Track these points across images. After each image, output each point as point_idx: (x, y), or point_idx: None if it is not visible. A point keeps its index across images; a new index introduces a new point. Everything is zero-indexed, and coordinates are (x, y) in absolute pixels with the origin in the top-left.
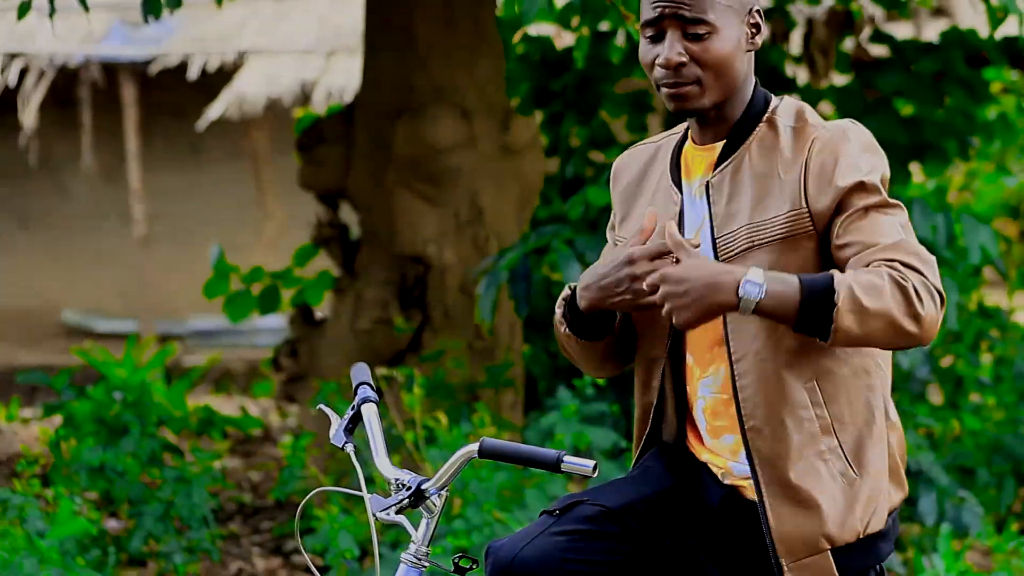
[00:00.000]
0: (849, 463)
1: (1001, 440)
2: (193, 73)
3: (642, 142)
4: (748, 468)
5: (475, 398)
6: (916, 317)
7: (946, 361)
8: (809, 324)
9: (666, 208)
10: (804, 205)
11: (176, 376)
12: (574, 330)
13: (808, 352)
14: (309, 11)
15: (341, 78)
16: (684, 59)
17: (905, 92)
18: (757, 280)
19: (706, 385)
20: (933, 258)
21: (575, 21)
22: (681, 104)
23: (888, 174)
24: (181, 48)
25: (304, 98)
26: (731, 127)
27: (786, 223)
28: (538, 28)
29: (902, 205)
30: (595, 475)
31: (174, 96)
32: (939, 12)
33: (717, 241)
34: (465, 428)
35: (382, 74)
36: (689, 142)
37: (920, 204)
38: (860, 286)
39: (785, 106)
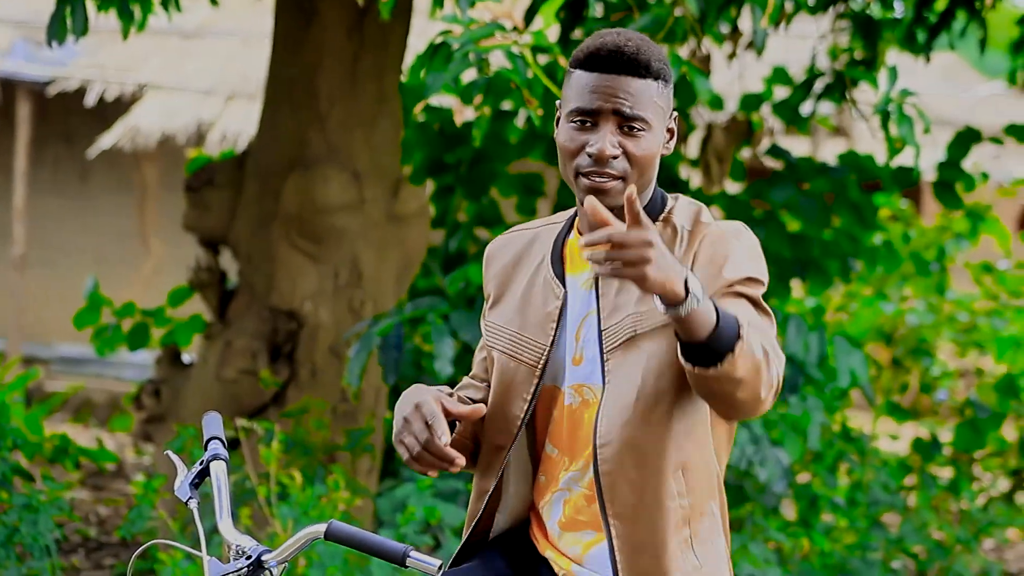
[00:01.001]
0: (696, 555)
1: (848, 563)
2: (91, 99)
3: (517, 228)
4: (591, 572)
5: (332, 460)
6: (768, 384)
7: (803, 478)
8: (709, 348)
9: (546, 301)
10: None
11: (36, 400)
12: None
13: (676, 440)
14: (214, 52)
15: (238, 123)
16: (618, 152)
17: (794, 208)
18: (699, 285)
19: (573, 479)
20: (783, 357)
21: (477, 99)
22: (601, 199)
23: (767, 285)
24: (82, 73)
25: (199, 138)
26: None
27: None
28: (440, 99)
29: (773, 317)
30: (439, 574)
31: (69, 120)
32: (838, 132)
33: (603, 333)
34: (319, 489)
35: (279, 126)
36: (575, 234)
37: (796, 321)
38: (750, 336)
39: (682, 207)
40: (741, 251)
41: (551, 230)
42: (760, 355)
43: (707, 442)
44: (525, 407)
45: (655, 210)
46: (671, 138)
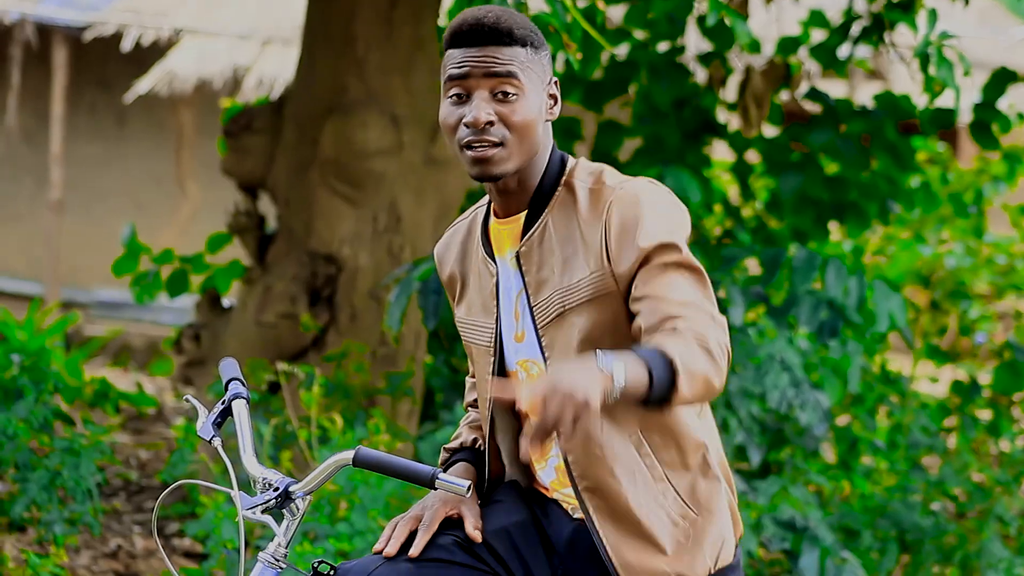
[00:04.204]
0: (688, 506)
1: (888, 505)
2: (127, 44)
3: (455, 222)
4: None
5: (372, 403)
6: (720, 375)
7: (843, 421)
8: (651, 400)
9: (485, 282)
10: (607, 266)
11: (76, 345)
12: None
13: (628, 407)
14: None
15: (274, 67)
16: (493, 118)
17: (832, 151)
18: (619, 368)
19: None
20: (724, 320)
21: None
22: (485, 168)
23: (689, 232)
24: (118, 18)
25: (235, 83)
26: (531, 196)
27: (591, 284)
28: None
29: (703, 271)
30: (469, 495)
31: (105, 65)
32: (875, 75)
33: (534, 309)
34: (360, 432)
35: (317, 70)
36: (493, 217)
37: (835, 264)
38: (685, 354)
39: (582, 167)
40: (651, 213)
41: (480, 214)
42: (703, 368)
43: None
44: (489, 388)
45: (553, 175)
46: (555, 104)
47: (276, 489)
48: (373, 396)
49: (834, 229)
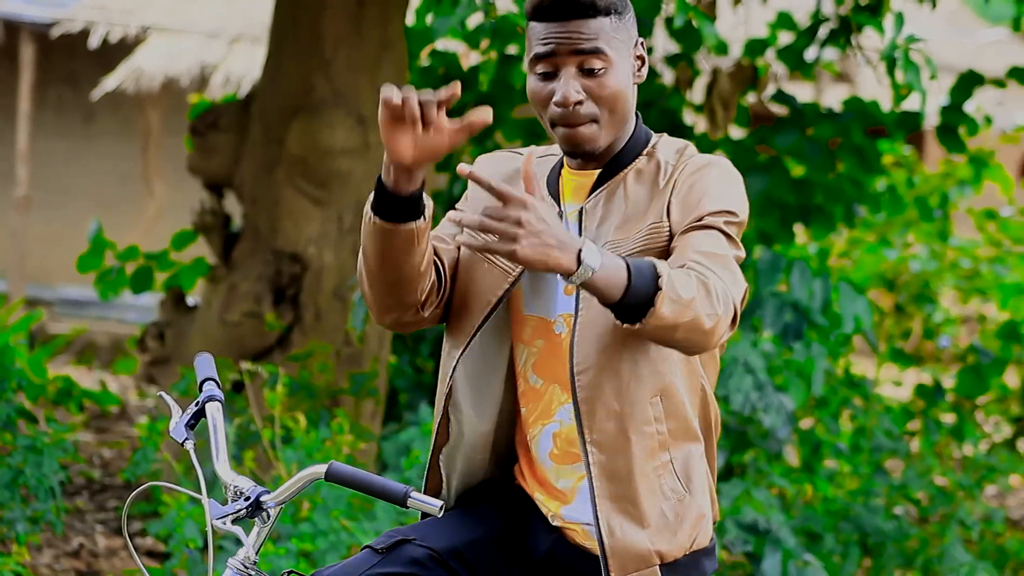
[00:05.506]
0: (679, 480)
1: (851, 509)
2: (94, 41)
3: (503, 150)
4: (578, 515)
5: (336, 403)
6: (712, 316)
7: (806, 424)
8: (629, 306)
9: None
10: (665, 220)
11: (39, 342)
12: (379, 212)
13: (653, 365)
14: None
15: (242, 65)
16: (582, 97)
17: (799, 154)
18: (595, 252)
19: (568, 411)
20: (745, 285)
21: (484, 43)
22: (579, 146)
23: (745, 221)
24: (85, 15)
25: (202, 81)
26: (610, 157)
27: (645, 236)
28: (446, 43)
29: (739, 245)
30: (441, 515)
31: (72, 62)
32: (842, 78)
33: None
34: (323, 432)
35: (284, 69)
36: (565, 168)
37: (800, 267)
38: (675, 276)
39: (666, 142)
40: (720, 185)
41: (547, 161)
42: (691, 294)
43: (687, 368)
44: (487, 311)
45: (638, 144)
46: (642, 65)
47: (247, 499)
48: (337, 396)
49: (800, 232)
